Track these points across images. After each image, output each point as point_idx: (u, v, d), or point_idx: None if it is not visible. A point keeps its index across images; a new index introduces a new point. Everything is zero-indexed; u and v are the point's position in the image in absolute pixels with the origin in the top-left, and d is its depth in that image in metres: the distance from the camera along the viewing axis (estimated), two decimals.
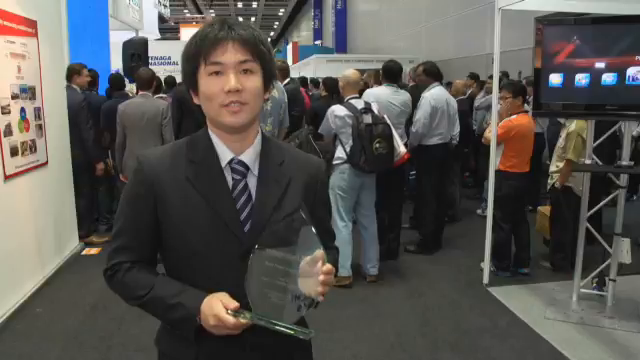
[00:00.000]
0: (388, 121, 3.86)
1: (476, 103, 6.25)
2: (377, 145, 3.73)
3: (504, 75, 6.29)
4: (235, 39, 1.08)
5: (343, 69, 4.40)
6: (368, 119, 3.76)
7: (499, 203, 4.07)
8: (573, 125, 3.96)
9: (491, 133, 4.00)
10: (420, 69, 5.15)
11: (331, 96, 5.74)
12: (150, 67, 5.65)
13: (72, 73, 4.87)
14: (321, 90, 7.16)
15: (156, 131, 4.30)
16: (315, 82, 9.53)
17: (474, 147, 6.45)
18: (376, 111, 3.87)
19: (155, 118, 4.29)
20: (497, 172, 4.12)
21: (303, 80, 9.26)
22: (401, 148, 3.91)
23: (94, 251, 4.68)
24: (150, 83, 4.53)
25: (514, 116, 4.15)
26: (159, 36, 13.35)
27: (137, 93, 4.72)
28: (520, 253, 4.29)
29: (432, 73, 4.89)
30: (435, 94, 4.63)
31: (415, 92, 5.04)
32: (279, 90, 4.63)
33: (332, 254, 1.26)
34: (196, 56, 1.10)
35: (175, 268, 1.19)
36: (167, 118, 4.35)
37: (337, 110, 3.87)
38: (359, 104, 3.87)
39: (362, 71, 7.87)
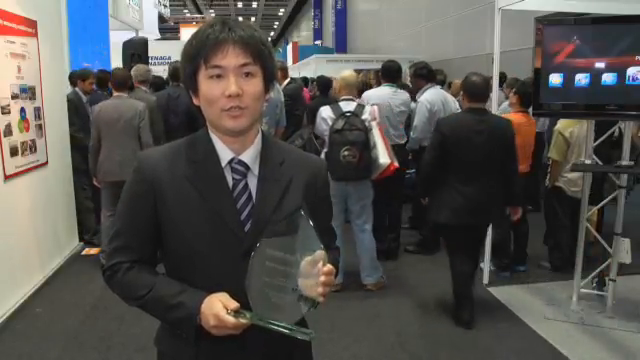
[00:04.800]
0: (374, 128, 3.65)
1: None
2: (345, 153, 3.53)
3: (503, 76, 6.27)
4: (236, 41, 1.08)
5: (343, 69, 4.36)
6: (339, 124, 3.59)
7: None
8: (559, 123, 3.98)
9: None
10: (411, 72, 5.09)
11: (324, 95, 5.72)
12: (150, 67, 5.59)
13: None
14: (315, 89, 7.18)
15: (133, 134, 4.12)
16: (306, 80, 9.50)
17: None
18: (368, 115, 3.67)
19: (132, 120, 4.12)
20: None
21: (304, 80, 9.28)
22: (382, 159, 3.62)
23: (94, 251, 4.67)
24: (126, 83, 4.35)
25: (512, 113, 4.16)
26: (159, 36, 13.35)
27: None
28: (518, 252, 4.31)
29: (421, 75, 4.82)
30: (430, 97, 4.60)
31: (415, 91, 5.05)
32: (275, 90, 4.62)
33: (333, 254, 1.26)
34: (196, 58, 1.09)
35: (175, 268, 1.19)
36: (144, 120, 4.18)
37: (323, 112, 3.76)
38: (348, 106, 3.70)
39: (360, 71, 7.87)
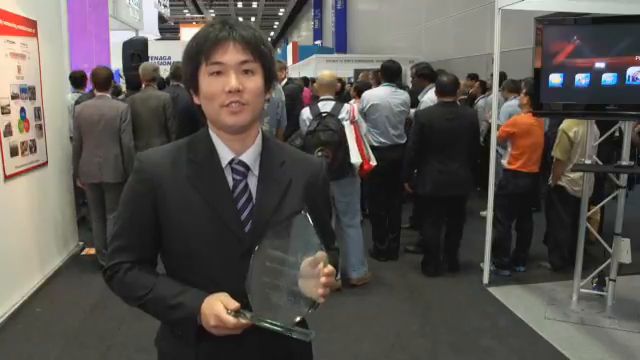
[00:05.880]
0: (347, 127, 3.64)
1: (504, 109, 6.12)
2: (319, 153, 3.55)
3: (503, 76, 6.28)
4: (236, 39, 1.08)
5: (343, 69, 4.38)
6: (313, 125, 3.61)
7: (502, 201, 4.10)
8: (563, 123, 3.99)
9: (498, 133, 4.05)
10: (413, 72, 5.17)
11: None
12: (157, 65, 5.56)
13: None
14: (314, 89, 7.19)
15: (114, 135, 4.07)
16: (306, 80, 9.50)
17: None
18: (345, 114, 3.66)
19: (113, 121, 4.05)
20: (506, 171, 4.14)
21: (304, 80, 9.27)
22: (353, 159, 3.63)
23: (94, 251, 4.67)
24: (108, 83, 4.21)
25: (522, 114, 4.17)
26: (159, 36, 13.36)
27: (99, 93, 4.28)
28: (519, 252, 4.32)
29: (424, 75, 4.93)
30: (433, 97, 4.61)
31: (418, 91, 5.08)
32: (275, 90, 4.63)
33: (333, 255, 1.26)
34: (197, 56, 1.10)
35: (175, 268, 1.19)
36: (126, 121, 4.10)
37: (303, 113, 3.79)
38: (325, 107, 3.70)
39: (361, 71, 7.86)
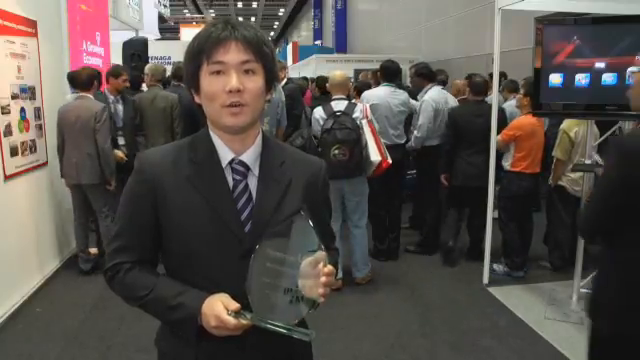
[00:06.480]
0: (365, 126, 3.67)
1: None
2: (336, 151, 3.56)
3: (502, 76, 6.27)
4: (238, 39, 1.08)
5: (343, 69, 4.40)
6: (329, 124, 3.63)
7: (505, 202, 4.10)
8: (564, 123, 3.99)
9: (501, 136, 4.04)
10: (412, 72, 5.18)
11: (325, 95, 5.73)
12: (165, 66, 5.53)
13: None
14: (314, 90, 7.19)
15: (89, 135, 3.98)
16: (307, 80, 9.48)
17: None
18: (359, 114, 3.69)
19: (88, 122, 3.97)
20: (508, 172, 4.14)
21: (306, 80, 9.25)
22: (373, 157, 3.66)
23: (94, 251, 4.67)
24: (90, 83, 4.11)
25: (522, 116, 4.17)
26: (159, 36, 13.32)
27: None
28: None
29: (424, 74, 4.93)
30: (434, 96, 4.64)
31: (417, 91, 5.07)
32: (276, 90, 4.63)
33: (333, 255, 1.26)
34: (199, 55, 1.10)
35: (175, 268, 1.19)
36: (101, 122, 4.00)
37: (316, 112, 3.82)
38: (339, 106, 3.72)
39: (360, 71, 7.85)
